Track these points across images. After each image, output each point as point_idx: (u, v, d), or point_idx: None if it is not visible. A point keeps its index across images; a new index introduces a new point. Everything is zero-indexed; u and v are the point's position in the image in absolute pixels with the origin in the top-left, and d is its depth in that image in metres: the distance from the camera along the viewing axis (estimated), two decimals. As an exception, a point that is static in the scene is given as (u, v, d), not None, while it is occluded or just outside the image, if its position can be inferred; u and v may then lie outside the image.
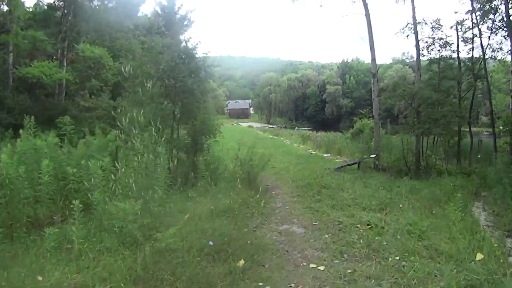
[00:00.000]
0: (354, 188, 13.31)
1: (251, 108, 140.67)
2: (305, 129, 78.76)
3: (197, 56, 15.01)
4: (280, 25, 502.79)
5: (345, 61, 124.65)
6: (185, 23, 60.11)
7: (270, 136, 46.73)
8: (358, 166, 19.04)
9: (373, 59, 20.30)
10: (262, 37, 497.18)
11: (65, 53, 28.76)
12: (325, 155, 26.43)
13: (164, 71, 13.52)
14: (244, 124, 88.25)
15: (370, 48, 20.07)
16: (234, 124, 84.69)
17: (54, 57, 28.83)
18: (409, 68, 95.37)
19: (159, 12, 47.20)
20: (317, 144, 36.49)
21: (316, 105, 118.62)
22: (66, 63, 28.28)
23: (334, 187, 13.39)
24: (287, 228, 9.09)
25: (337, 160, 22.57)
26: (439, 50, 19.48)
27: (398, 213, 9.87)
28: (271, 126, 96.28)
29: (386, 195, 11.97)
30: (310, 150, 29.76)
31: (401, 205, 10.66)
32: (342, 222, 9.19)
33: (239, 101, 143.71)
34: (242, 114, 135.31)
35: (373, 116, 22.01)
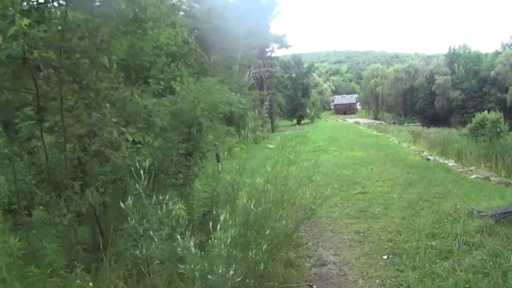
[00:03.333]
0: None
1: (358, 103, 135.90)
2: (414, 125, 73.66)
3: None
4: (384, 17, 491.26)
5: (452, 49, 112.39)
6: (274, 12, 55.25)
7: (374, 132, 38.43)
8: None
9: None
10: (367, 30, 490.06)
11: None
12: (448, 162, 17.98)
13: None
14: (351, 120, 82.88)
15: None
16: (340, 120, 78.47)
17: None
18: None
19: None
20: (430, 143, 30.62)
21: (425, 98, 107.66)
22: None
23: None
24: None
25: (472, 177, 13.68)
26: None
27: None
28: (378, 122, 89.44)
29: None
30: (425, 153, 21.39)
31: None
32: None
33: (345, 95, 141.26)
34: (348, 109, 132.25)
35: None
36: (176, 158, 8.03)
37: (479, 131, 32.57)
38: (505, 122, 33.37)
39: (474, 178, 13.40)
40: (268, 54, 61.56)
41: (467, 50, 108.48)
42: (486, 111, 35.22)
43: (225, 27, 39.31)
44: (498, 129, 31.98)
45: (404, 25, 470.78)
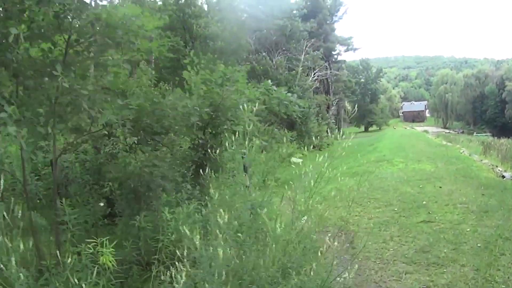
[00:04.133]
0: None
1: (427, 110, 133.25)
2: (484, 135, 70.16)
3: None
4: (453, 21, 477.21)
5: None
6: (338, 13, 53.80)
7: (444, 142, 35.19)
8: None
9: None
10: (436, 34, 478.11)
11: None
12: None
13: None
14: (419, 128, 79.23)
15: None
16: (408, 128, 75.48)
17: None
18: None
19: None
20: (503, 155, 26.10)
21: (495, 106, 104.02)
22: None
23: None
24: None
25: None
26: None
27: None
28: (447, 131, 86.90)
29: None
30: (499, 169, 18.41)
31: None
32: None
33: (414, 102, 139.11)
34: (417, 117, 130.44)
35: None
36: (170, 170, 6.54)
37: None
38: None
39: None
40: (335, 57, 59.73)
41: None
42: None
43: (288, 28, 38.21)
44: None
45: (473, 30, 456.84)
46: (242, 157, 7.03)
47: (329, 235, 6.61)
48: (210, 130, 8.51)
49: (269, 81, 13.82)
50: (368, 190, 13.08)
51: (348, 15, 56.38)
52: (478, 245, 7.68)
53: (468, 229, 8.60)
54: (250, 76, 28.60)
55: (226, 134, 7.52)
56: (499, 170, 18.01)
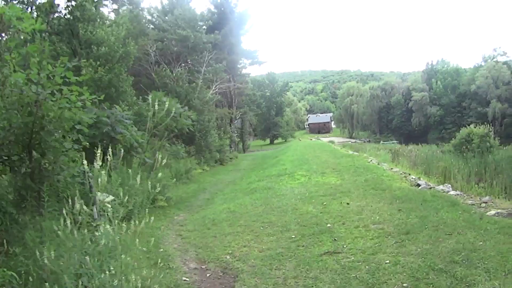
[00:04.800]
0: None
1: (332, 122, 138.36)
2: (391, 143, 73.28)
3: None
4: (359, 36, 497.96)
5: (430, 64, 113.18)
6: (245, 26, 53.04)
7: (350, 152, 33.20)
8: None
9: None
10: (343, 49, 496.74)
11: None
12: (447, 190, 13.39)
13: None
14: (325, 139, 79.88)
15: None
16: (313, 139, 76.09)
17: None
18: (503, 63, 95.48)
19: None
20: (412, 161, 28.79)
21: (402, 115, 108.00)
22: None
23: None
24: None
25: (491, 213, 9.11)
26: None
27: None
28: (353, 140, 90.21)
29: None
30: (412, 177, 16.71)
31: None
32: None
33: (319, 114, 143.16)
34: (323, 128, 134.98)
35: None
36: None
37: (465, 147, 30.20)
38: (494, 137, 31.70)
39: (495, 215, 9.11)
40: (240, 70, 58.21)
41: (446, 66, 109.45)
42: (472, 126, 33.02)
43: (191, 39, 36.42)
44: (488, 143, 29.97)
45: (379, 44, 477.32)
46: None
47: (208, 275, 6.69)
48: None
49: (163, 92, 12.52)
50: (264, 211, 10.81)
51: (257, 28, 56.06)
52: (404, 285, 5.54)
53: (387, 261, 6.40)
54: (149, 88, 26.40)
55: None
56: (412, 178, 16.34)
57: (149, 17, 40.92)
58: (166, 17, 39.04)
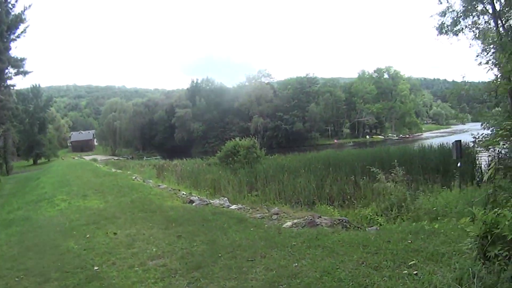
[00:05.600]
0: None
1: (95, 139, 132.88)
2: (154, 159, 73.11)
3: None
4: (125, 52, 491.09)
5: (195, 82, 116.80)
6: (19, 31, 47.50)
7: (113, 170, 31.01)
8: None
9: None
10: (108, 65, 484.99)
11: None
12: (228, 204, 12.95)
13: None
14: (88, 158, 74.98)
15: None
16: (77, 158, 72.73)
17: None
18: (267, 84, 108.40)
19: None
20: (178, 176, 29.21)
21: (165, 131, 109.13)
22: None
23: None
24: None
25: (287, 225, 8.41)
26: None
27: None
28: (116, 157, 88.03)
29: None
30: (183, 193, 15.86)
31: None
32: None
33: (82, 132, 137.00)
34: (86, 146, 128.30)
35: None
36: None
37: (232, 158, 31.58)
38: (260, 148, 33.69)
39: (293, 226, 8.38)
40: (5, 81, 51.24)
41: (210, 84, 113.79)
42: (238, 138, 35.15)
43: None
44: (255, 154, 31.83)
45: (145, 62, 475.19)
46: None
47: None
48: None
49: None
50: (20, 253, 8.23)
51: (31, 35, 49.45)
52: None
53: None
54: None
55: None
56: (183, 194, 15.43)
57: None
58: None
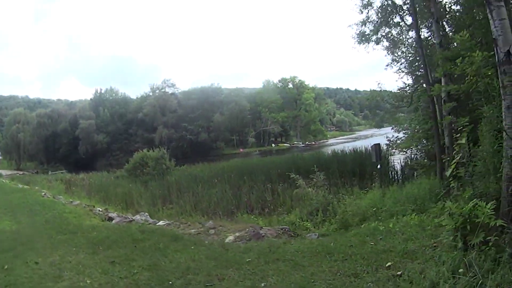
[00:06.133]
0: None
1: None
2: (60, 172, 68.11)
3: None
4: (27, 59, 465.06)
5: (99, 92, 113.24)
6: None
7: (20, 185, 28.63)
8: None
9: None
10: (11, 72, 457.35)
11: None
12: (147, 220, 13.07)
13: None
14: None
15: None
16: None
17: None
18: (171, 94, 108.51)
19: None
20: (87, 191, 27.91)
21: (69, 143, 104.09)
22: None
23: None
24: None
25: (229, 239, 8.59)
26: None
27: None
28: (22, 172, 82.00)
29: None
30: (99, 209, 15.12)
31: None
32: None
33: None
34: None
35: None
36: None
37: (140, 171, 31.47)
38: (170, 159, 33.78)
39: (237, 241, 8.15)
40: None
41: (114, 94, 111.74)
42: (146, 150, 34.89)
43: None
44: (164, 165, 31.89)
45: (45, 70, 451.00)
46: None
47: None
48: None
49: None
50: None
51: None
52: None
53: None
54: None
55: None
56: (99, 211, 14.65)
57: None
58: None
